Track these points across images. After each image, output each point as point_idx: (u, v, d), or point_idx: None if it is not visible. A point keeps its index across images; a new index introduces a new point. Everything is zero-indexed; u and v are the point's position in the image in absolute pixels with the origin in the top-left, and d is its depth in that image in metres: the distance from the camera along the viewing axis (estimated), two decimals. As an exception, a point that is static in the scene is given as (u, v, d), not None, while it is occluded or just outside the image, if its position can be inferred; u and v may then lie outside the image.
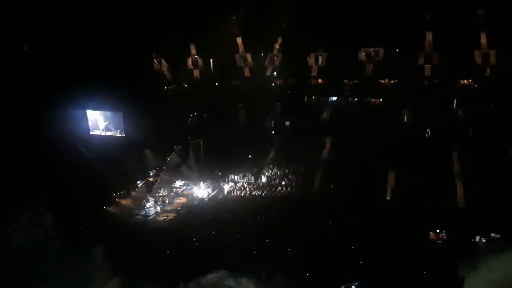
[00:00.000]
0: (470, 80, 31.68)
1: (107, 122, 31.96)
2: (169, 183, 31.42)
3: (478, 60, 31.24)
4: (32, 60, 28.26)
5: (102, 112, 31.93)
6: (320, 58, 35.50)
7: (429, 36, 32.19)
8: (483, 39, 30.95)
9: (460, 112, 30.97)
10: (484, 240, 21.32)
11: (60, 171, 23.78)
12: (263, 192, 29.78)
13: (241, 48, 36.79)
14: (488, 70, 31.05)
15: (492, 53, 30.88)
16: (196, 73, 37.61)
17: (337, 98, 35.22)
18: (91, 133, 31.83)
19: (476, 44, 31.15)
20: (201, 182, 31.24)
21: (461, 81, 31.87)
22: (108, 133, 31.84)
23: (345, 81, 35.11)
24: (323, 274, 18.44)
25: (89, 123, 31.95)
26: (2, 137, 24.48)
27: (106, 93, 29.11)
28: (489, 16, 30.17)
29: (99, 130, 32.14)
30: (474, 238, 21.55)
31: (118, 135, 31.48)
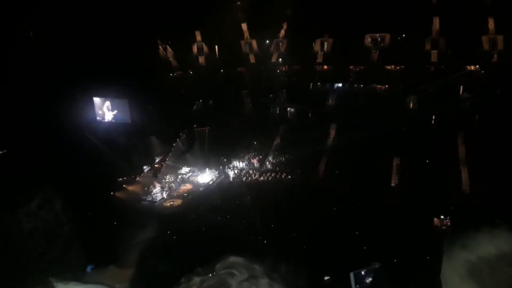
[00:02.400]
0: (477, 66, 31.42)
1: (113, 111, 32.16)
2: (175, 170, 31.71)
3: (485, 45, 30.94)
4: (38, 47, 28.35)
5: (108, 99, 32.11)
6: (325, 44, 35.33)
7: (436, 21, 31.87)
8: (491, 24, 30.59)
9: (466, 98, 30.79)
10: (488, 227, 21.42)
11: (68, 157, 24.06)
12: (268, 178, 29.99)
13: (246, 35, 36.66)
14: (495, 55, 30.76)
15: (500, 39, 30.55)
16: (201, 59, 37.61)
17: (342, 85, 35.13)
18: (98, 120, 32.07)
19: (484, 29, 30.81)
20: (207, 169, 31.50)
21: (468, 67, 31.61)
22: (114, 120, 32.06)
23: (351, 67, 34.95)
24: (329, 260, 18.69)
25: (96, 111, 32.19)
26: (10, 125, 24.75)
27: (111, 80, 29.22)
28: (497, 1, 29.75)
29: (105, 117, 32.38)
30: (478, 225, 21.65)
31: (124, 122, 31.67)
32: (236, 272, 1.47)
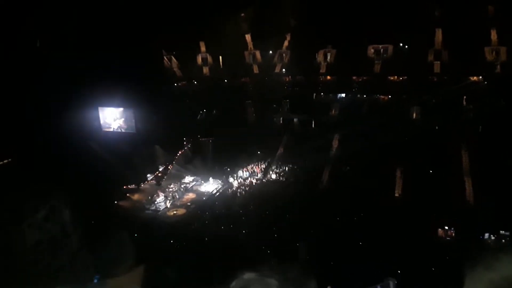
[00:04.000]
0: (480, 77, 31.48)
1: (118, 119, 32.37)
2: (179, 179, 31.77)
3: (488, 56, 31.04)
4: (44, 57, 28.68)
5: (114, 109, 32.35)
6: (329, 55, 35.52)
7: (439, 32, 32.04)
8: (493, 35, 30.73)
9: (469, 109, 30.81)
10: (493, 238, 21.32)
11: (74, 167, 24.22)
12: (271, 188, 29.98)
13: (250, 45, 36.96)
14: (498, 66, 30.84)
15: (503, 50, 30.66)
16: (205, 70, 37.88)
17: (345, 95, 35.25)
18: (103, 129, 32.27)
19: (486, 40, 30.94)
20: (210, 178, 31.56)
21: (471, 78, 31.68)
22: (119, 130, 32.26)
23: (354, 78, 35.10)
24: (331, 270, 18.62)
25: (101, 120, 32.41)
26: (16, 135, 24.96)
27: (117, 90, 29.48)
28: (499, 12, 29.94)
29: (111, 127, 32.60)
30: (483, 236, 21.55)
31: (130, 132, 31.85)
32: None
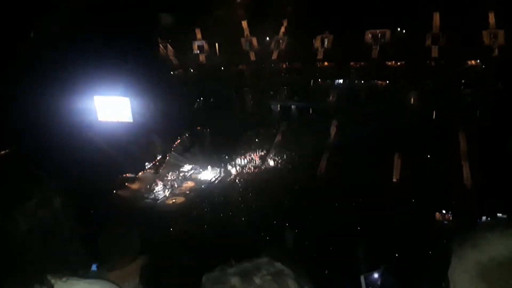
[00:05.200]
0: (478, 61, 31.37)
1: (114, 109, 32.19)
2: (177, 167, 31.80)
3: (486, 40, 30.87)
4: (38, 47, 28.39)
5: (110, 98, 32.14)
6: (326, 41, 35.30)
7: (436, 16, 31.80)
8: (491, 18, 30.53)
9: (467, 93, 30.76)
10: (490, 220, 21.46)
11: (68, 155, 24.13)
12: (270, 175, 30.04)
13: (247, 32, 36.65)
14: (496, 50, 30.70)
15: (500, 33, 30.49)
16: (202, 57, 37.62)
17: (343, 81, 35.12)
18: (99, 118, 32.10)
19: (484, 24, 30.74)
20: (209, 166, 31.58)
21: (469, 62, 31.55)
22: (115, 120, 32.09)
23: (351, 63, 34.93)
24: (332, 259, 18.72)
25: (96, 109, 32.23)
26: (12, 124, 24.81)
27: (112, 79, 29.26)
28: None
29: (106, 116, 32.42)
30: (480, 219, 21.68)
31: (126, 120, 31.69)
32: (262, 272, 1.47)
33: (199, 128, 34.30)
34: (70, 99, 28.76)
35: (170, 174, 30.73)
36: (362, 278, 3.33)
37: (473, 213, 21.98)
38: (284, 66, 36.78)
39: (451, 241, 1.69)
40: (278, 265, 1.53)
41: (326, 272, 16.18)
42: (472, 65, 31.45)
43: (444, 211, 22.81)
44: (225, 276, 1.47)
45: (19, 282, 1.73)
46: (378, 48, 33.82)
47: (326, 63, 35.82)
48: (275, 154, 32.34)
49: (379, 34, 33.85)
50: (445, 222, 22.71)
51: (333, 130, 32.39)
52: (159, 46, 36.66)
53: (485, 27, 30.76)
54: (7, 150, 25.06)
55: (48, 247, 1.84)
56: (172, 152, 32.69)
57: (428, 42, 32.23)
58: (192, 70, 38.03)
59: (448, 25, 31.14)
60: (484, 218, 21.72)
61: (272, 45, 36.78)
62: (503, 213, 21.39)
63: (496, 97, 28.52)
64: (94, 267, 3.47)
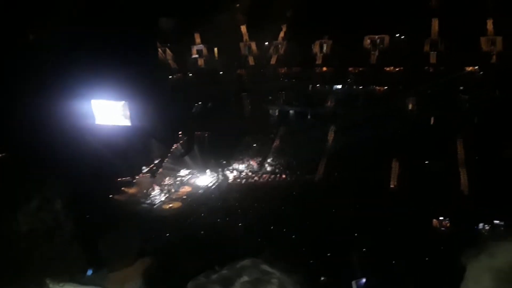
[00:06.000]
0: (476, 67, 31.49)
1: (112, 113, 32.13)
2: (174, 172, 31.70)
3: (484, 46, 31.00)
4: (36, 51, 28.34)
5: (107, 102, 32.08)
6: (324, 46, 35.38)
7: (435, 22, 31.94)
8: (490, 25, 30.67)
9: (465, 99, 30.85)
10: (487, 227, 21.46)
11: (67, 158, 24.03)
12: (267, 180, 30.00)
13: (246, 37, 36.72)
14: (494, 56, 30.83)
15: (499, 40, 30.61)
16: (200, 62, 37.64)
17: (341, 86, 35.19)
18: (96, 122, 32.03)
19: (482, 30, 30.88)
20: (206, 171, 31.49)
21: (467, 68, 31.67)
22: (113, 123, 32.01)
23: (350, 69, 35.01)
24: (328, 263, 18.65)
25: (94, 113, 32.16)
26: (10, 127, 24.70)
27: (110, 83, 29.20)
28: (496, 2, 29.85)
29: (104, 119, 32.34)
30: (478, 225, 21.68)
31: (124, 124, 31.63)
32: (247, 274, 1.48)
33: (197, 132, 34.24)
34: (68, 103, 28.69)
35: (167, 178, 30.62)
36: (353, 284, 3.30)
37: (471, 219, 22.00)
38: (283, 71, 36.83)
39: (462, 254, 1.66)
40: (264, 267, 1.52)
41: (320, 276, 16.18)
42: (470, 71, 31.56)
43: (441, 218, 22.79)
44: (208, 284, 1.48)
45: (17, 282, 1.68)
46: (377, 53, 33.92)
47: (324, 68, 35.88)
48: (273, 159, 32.29)
49: (378, 40, 33.96)
50: (442, 228, 22.70)
51: (331, 135, 32.38)
52: (158, 50, 36.64)
53: (484, 33, 30.88)
54: (7, 153, 24.89)
55: (48, 248, 1.80)
56: (170, 156, 32.59)
57: (427, 48, 32.34)
58: (190, 74, 38.03)
59: (446, 31, 31.27)
60: (481, 224, 21.76)
61: (271, 50, 36.83)
62: (500, 220, 21.50)
63: (494, 103, 28.60)
64: (89, 272, 3.40)
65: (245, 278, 1.45)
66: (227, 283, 1.45)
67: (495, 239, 1.61)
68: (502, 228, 21.12)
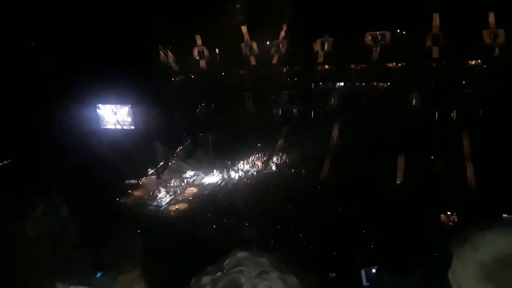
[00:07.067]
0: (479, 61, 31.32)
1: (116, 116, 32.31)
2: (180, 174, 31.78)
3: (487, 40, 30.83)
4: (39, 56, 28.52)
5: (112, 105, 32.26)
6: (326, 44, 35.31)
7: (436, 17, 31.80)
8: (491, 18, 30.49)
9: (469, 93, 30.69)
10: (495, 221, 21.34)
11: (72, 163, 24.19)
12: (272, 179, 29.99)
13: (247, 37, 36.72)
14: (497, 49, 30.65)
15: (501, 32, 30.44)
16: (202, 63, 37.69)
17: (344, 84, 35.12)
18: (102, 126, 32.22)
19: (484, 23, 30.71)
20: (211, 172, 31.56)
21: (470, 62, 31.51)
22: (118, 126, 32.20)
23: (352, 66, 34.93)
24: (335, 259, 18.66)
25: (100, 117, 32.36)
26: (15, 133, 24.90)
27: (114, 86, 29.35)
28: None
29: (108, 123, 32.53)
30: (484, 219, 21.55)
31: (128, 128, 31.79)
32: (245, 269, 1.46)
33: (201, 133, 34.32)
34: (73, 108, 28.88)
35: (173, 180, 30.70)
36: (362, 272, 3.33)
37: (477, 213, 21.89)
38: (285, 70, 36.80)
39: (451, 242, 1.68)
40: (263, 260, 1.52)
41: (329, 268, 16.19)
42: (473, 65, 31.39)
43: (448, 212, 22.72)
44: (212, 283, 1.48)
45: (27, 286, 1.73)
46: (379, 50, 33.82)
47: (326, 66, 35.82)
48: (277, 158, 32.30)
49: (379, 36, 33.83)
50: (449, 223, 22.61)
51: (335, 133, 32.34)
52: (159, 53, 36.74)
53: (486, 26, 30.70)
54: (13, 159, 25.13)
55: (55, 252, 1.85)
56: (175, 158, 32.70)
57: (429, 43, 32.19)
58: (192, 76, 38.09)
59: (448, 26, 31.12)
60: (488, 218, 21.66)
61: (273, 50, 36.81)
62: (508, 214, 21.37)
63: (498, 96, 28.45)
64: (99, 275, 3.45)
65: (246, 274, 1.44)
66: (228, 279, 1.44)
67: (481, 229, 1.63)
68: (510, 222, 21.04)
